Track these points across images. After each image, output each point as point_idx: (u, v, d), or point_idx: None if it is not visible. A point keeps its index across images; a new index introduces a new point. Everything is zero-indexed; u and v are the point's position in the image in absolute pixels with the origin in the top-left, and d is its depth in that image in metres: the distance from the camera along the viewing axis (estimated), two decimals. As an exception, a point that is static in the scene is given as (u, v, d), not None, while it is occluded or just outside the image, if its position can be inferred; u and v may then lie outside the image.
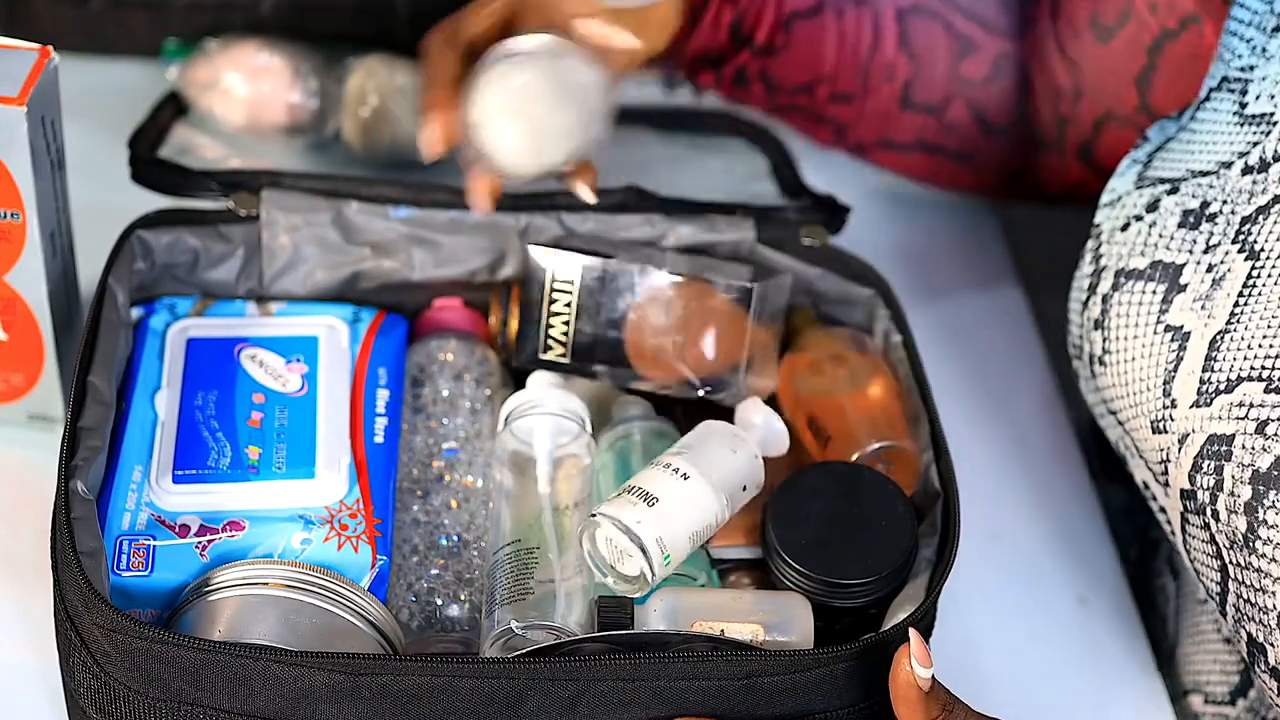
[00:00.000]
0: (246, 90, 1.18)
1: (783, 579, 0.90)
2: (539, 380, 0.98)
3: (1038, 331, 1.21)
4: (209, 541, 0.88)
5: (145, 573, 0.87)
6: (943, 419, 0.95)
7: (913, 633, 0.81)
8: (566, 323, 0.99)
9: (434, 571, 0.92)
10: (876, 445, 0.94)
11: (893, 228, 1.24)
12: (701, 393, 0.98)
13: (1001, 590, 1.05)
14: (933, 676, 0.80)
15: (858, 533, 0.90)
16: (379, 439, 0.95)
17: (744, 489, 0.92)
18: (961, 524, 0.90)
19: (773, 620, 0.87)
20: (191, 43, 1.23)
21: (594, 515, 0.88)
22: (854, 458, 0.94)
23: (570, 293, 0.99)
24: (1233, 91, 0.92)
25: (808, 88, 1.11)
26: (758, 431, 0.95)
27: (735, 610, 0.88)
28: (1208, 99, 0.94)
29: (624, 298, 0.99)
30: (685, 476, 0.90)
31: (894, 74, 1.11)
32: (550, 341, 0.99)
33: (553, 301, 0.99)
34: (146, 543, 0.88)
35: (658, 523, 0.88)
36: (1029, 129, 1.15)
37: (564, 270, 0.99)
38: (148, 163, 1.06)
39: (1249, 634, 0.86)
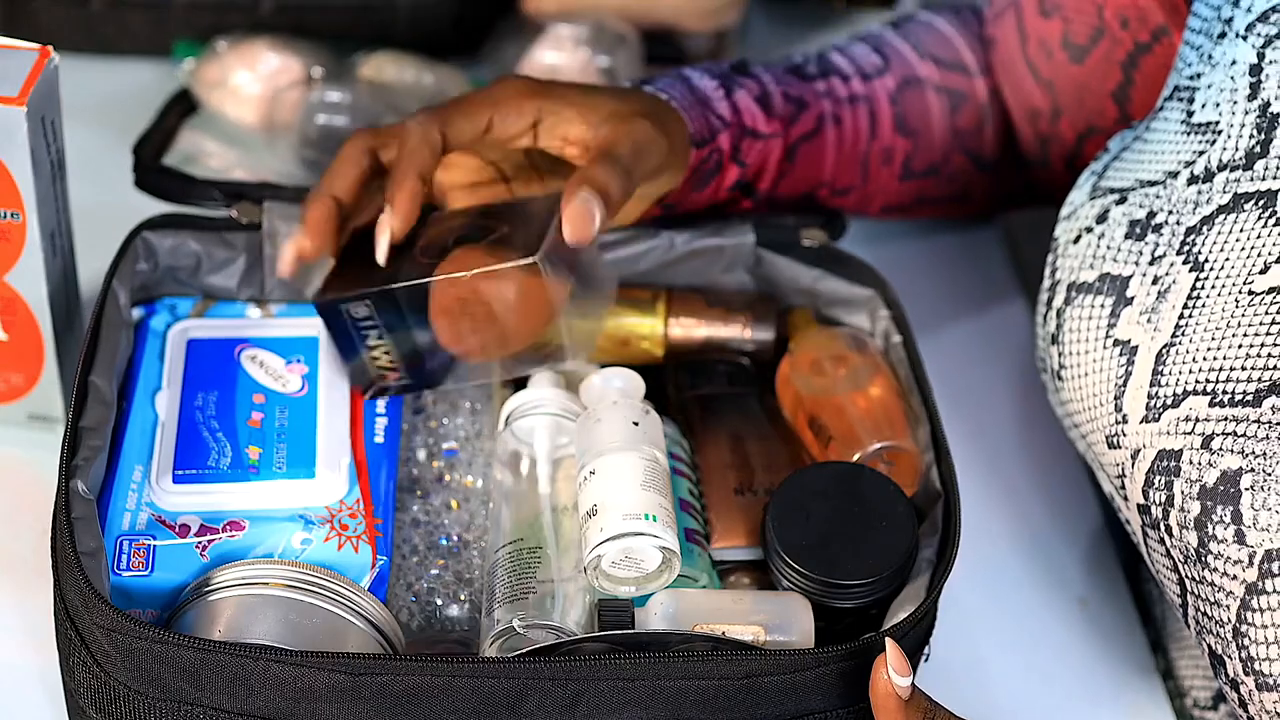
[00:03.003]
0: (256, 89, 1.18)
1: (783, 579, 0.90)
2: (539, 380, 0.98)
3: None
4: (209, 541, 0.88)
5: (145, 573, 0.87)
6: (942, 420, 0.95)
7: (889, 642, 0.81)
8: (387, 352, 0.95)
9: (434, 571, 0.92)
10: (878, 445, 0.94)
11: (892, 230, 1.24)
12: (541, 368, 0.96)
13: (1001, 591, 1.05)
14: (912, 684, 0.80)
15: (858, 533, 0.89)
16: (379, 439, 0.95)
17: (639, 421, 0.92)
18: (962, 524, 0.90)
19: (773, 621, 0.87)
20: (200, 43, 1.23)
21: (586, 565, 0.88)
22: (855, 458, 0.94)
23: (376, 326, 0.95)
24: (1182, 100, 0.92)
25: (808, 195, 1.08)
26: (597, 389, 0.95)
27: (736, 612, 0.88)
28: (1161, 109, 0.94)
29: (421, 311, 0.94)
30: (593, 471, 0.90)
31: (892, 156, 1.09)
32: (383, 371, 0.96)
33: (365, 339, 0.95)
34: (147, 543, 0.88)
35: (618, 507, 0.88)
36: (1014, 151, 1.15)
37: (358, 309, 0.94)
38: (151, 170, 1.06)
39: (1209, 646, 0.86)
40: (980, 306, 1.22)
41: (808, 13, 1.43)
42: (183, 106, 1.18)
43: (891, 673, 0.80)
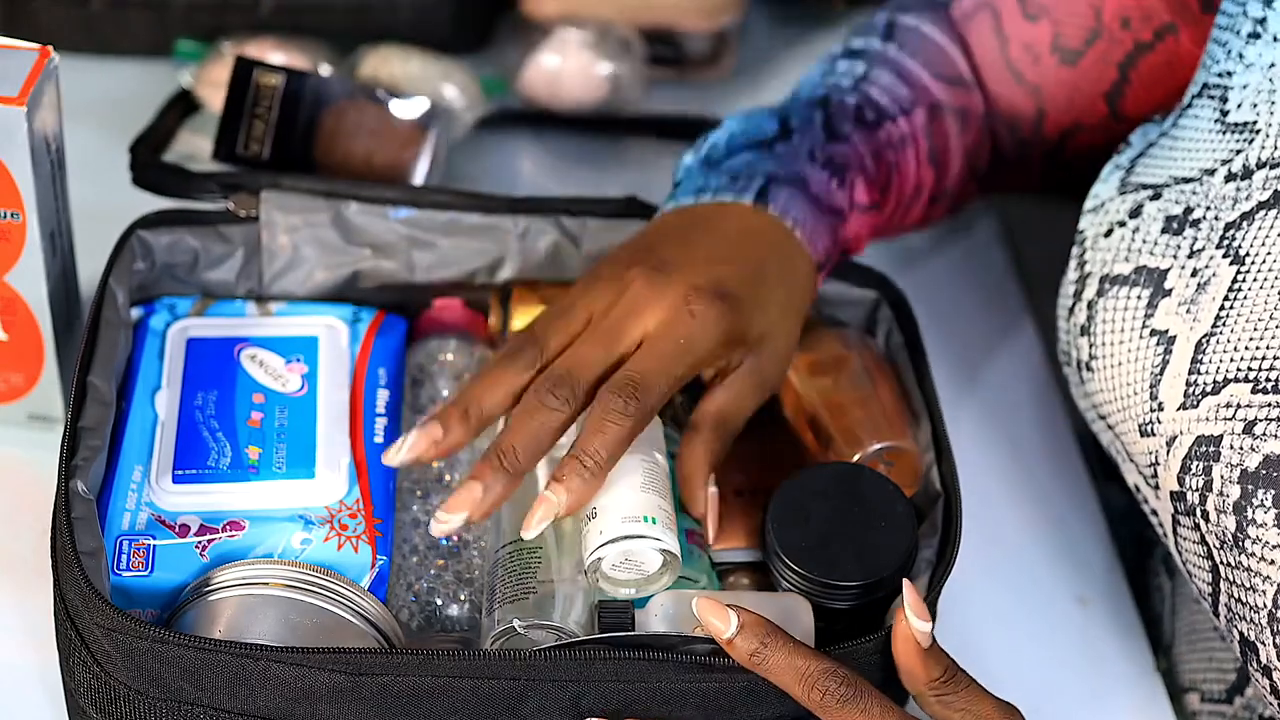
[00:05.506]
0: None
1: (782, 580, 0.90)
2: None
3: (1037, 332, 1.21)
4: (209, 541, 0.88)
5: (145, 573, 0.87)
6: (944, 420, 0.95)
7: (907, 584, 0.80)
8: (267, 122, 1.08)
9: (434, 571, 0.92)
10: (878, 445, 0.94)
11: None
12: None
13: (1001, 591, 1.04)
14: (933, 638, 0.80)
15: (858, 534, 0.89)
16: (379, 439, 0.95)
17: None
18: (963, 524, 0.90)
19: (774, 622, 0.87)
20: (201, 43, 1.24)
21: (587, 568, 0.87)
22: (855, 458, 0.94)
23: (273, 96, 1.09)
24: (1213, 98, 0.92)
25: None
26: None
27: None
28: (1190, 105, 0.94)
29: (323, 107, 1.12)
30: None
31: (921, 189, 1.07)
32: (250, 141, 1.08)
33: (257, 103, 1.08)
34: (146, 543, 0.88)
35: (618, 510, 0.87)
36: (975, 161, 1.13)
37: (269, 76, 1.10)
38: (148, 166, 1.06)
39: (1241, 633, 0.86)
40: (980, 306, 1.22)
41: (808, 13, 1.43)
42: (182, 106, 1.18)
43: (910, 616, 0.80)
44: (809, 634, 0.87)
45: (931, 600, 0.87)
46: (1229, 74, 0.91)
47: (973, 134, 1.11)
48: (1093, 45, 1.04)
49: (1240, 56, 0.90)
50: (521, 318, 1.03)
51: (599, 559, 0.87)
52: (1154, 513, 0.92)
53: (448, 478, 0.96)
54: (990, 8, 1.09)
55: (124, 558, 0.87)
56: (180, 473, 0.91)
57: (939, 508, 0.92)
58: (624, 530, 0.87)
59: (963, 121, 1.10)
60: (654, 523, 0.87)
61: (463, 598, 0.92)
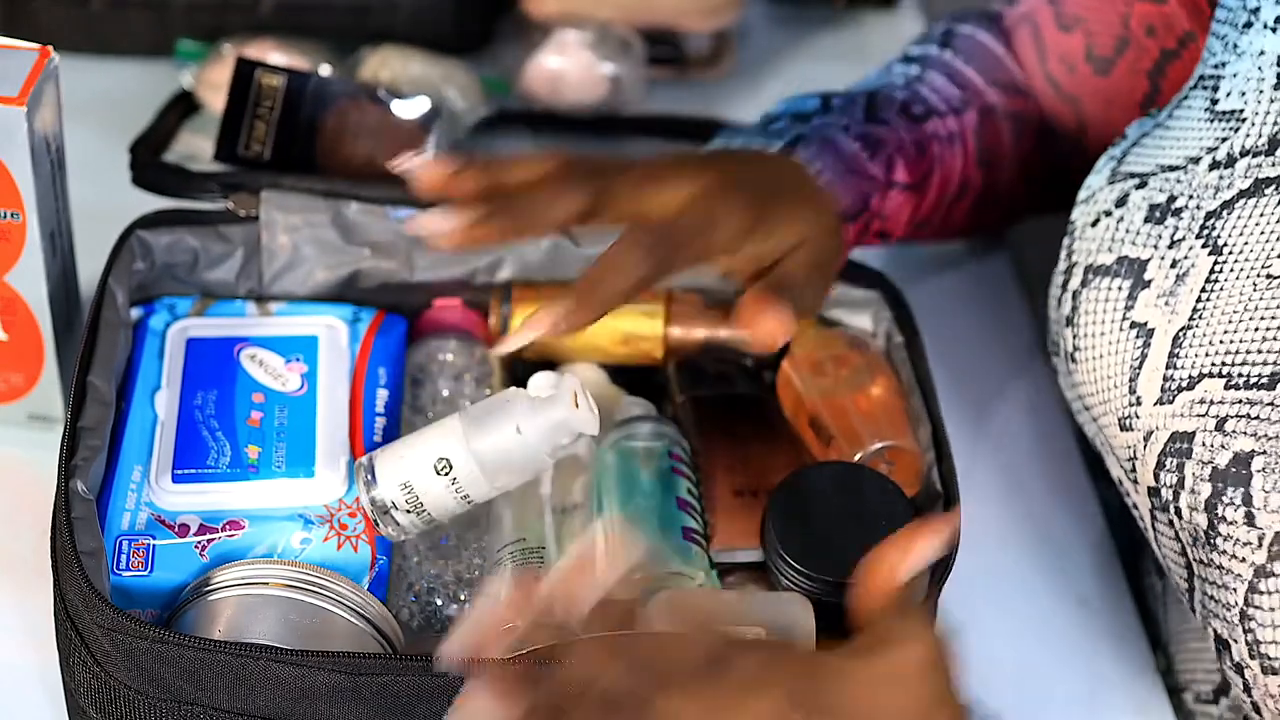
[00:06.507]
0: None
1: (783, 579, 0.89)
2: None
3: (1037, 333, 1.21)
4: (209, 541, 0.88)
5: (145, 572, 0.87)
6: (944, 420, 0.95)
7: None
8: (269, 123, 1.08)
9: (434, 571, 0.92)
10: (879, 445, 0.94)
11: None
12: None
13: (1001, 590, 1.04)
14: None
15: (858, 533, 0.89)
16: (379, 439, 0.95)
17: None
18: (961, 524, 0.90)
19: (775, 622, 0.87)
20: (203, 43, 1.24)
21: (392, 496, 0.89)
22: (856, 457, 0.94)
23: (275, 96, 1.09)
24: (1206, 88, 0.92)
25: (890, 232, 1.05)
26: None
27: (737, 612, 0.88)
28: (1185, 97, 0.94)
29: (324, 108, 1.11)
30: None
31: (967, 189, 1.07)
32: (252, 141, 1.08)
33: (259, 103, 1.08)
34: (146, 542, 0.88)
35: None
36: (1030, 169, 1.13)
37: (271, 76, 1.10)
38: (148, 165, 1.06)
39: (1215, 631, 0.86)
40: (980, 306, 1.22)
41: (808, 13, 1.43)
42: (182, 107, 1.18)
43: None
44: (810, 634, 0.87)
45: (931, 600, 0.87)
46: (1223, 64, 0.91)
47: (1028, 141, 1.11)
48: (1123, 54, 1.04)
49: (1234, 47, 0.90)
50: (521, 317, 1.03)
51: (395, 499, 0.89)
52: (1135, 506, 0.93)
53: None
54: (1030, 21, 1.10)
55: (124, 558, 0.87)
56: (180, 472, 0.91)
57: (939, 507, 0.92)
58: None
59: (1018, 127, 1.10)
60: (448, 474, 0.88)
61: (463, 598, 0.92)
